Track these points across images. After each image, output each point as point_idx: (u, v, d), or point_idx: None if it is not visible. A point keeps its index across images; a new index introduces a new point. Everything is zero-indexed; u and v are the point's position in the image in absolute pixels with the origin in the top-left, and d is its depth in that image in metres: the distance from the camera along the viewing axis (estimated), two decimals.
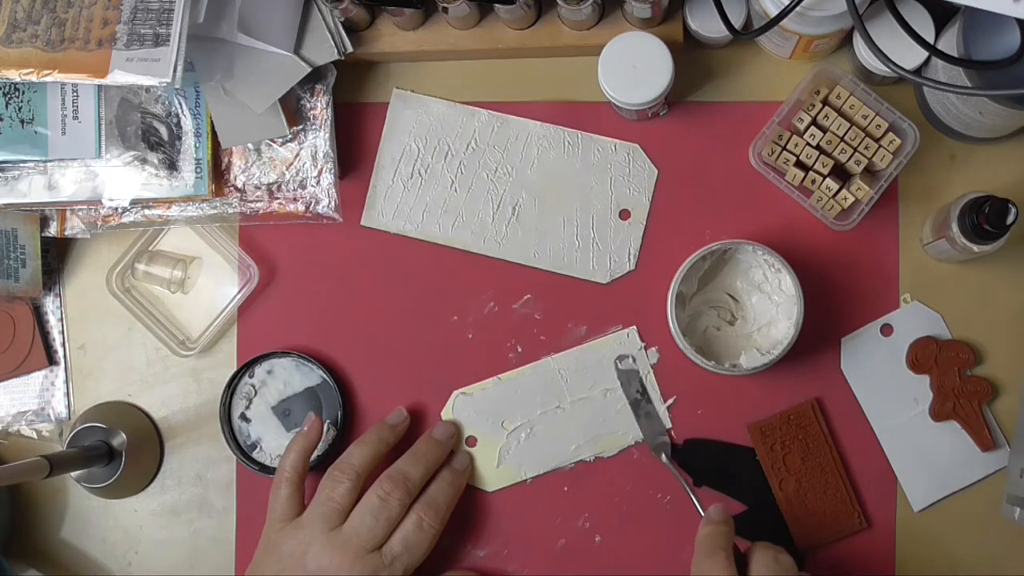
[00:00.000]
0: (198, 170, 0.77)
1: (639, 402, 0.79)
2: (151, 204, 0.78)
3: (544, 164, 0.81)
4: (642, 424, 0.79)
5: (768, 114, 0.75)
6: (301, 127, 0.78)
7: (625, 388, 0.79)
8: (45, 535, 0.83)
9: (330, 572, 0.70)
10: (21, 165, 0.76)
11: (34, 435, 0.83)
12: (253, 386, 0.81)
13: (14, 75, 0.68)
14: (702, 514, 0.74)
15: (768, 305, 0.78)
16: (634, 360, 0.79)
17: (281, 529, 0.73)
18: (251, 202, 0.79)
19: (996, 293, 0.78)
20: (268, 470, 0.80)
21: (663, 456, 0.78)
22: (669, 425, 0.79)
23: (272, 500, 0.75)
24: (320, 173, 0.78)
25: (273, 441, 0.81)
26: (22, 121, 0.75)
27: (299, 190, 0.79)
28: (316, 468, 0.79)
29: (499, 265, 0.81)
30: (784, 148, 0.75)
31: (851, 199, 0.74)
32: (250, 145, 0.78)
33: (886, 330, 0.79)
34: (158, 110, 0.77)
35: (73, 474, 0.78)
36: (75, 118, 0.76)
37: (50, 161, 0.76)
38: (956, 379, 0.77)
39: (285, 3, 0.74)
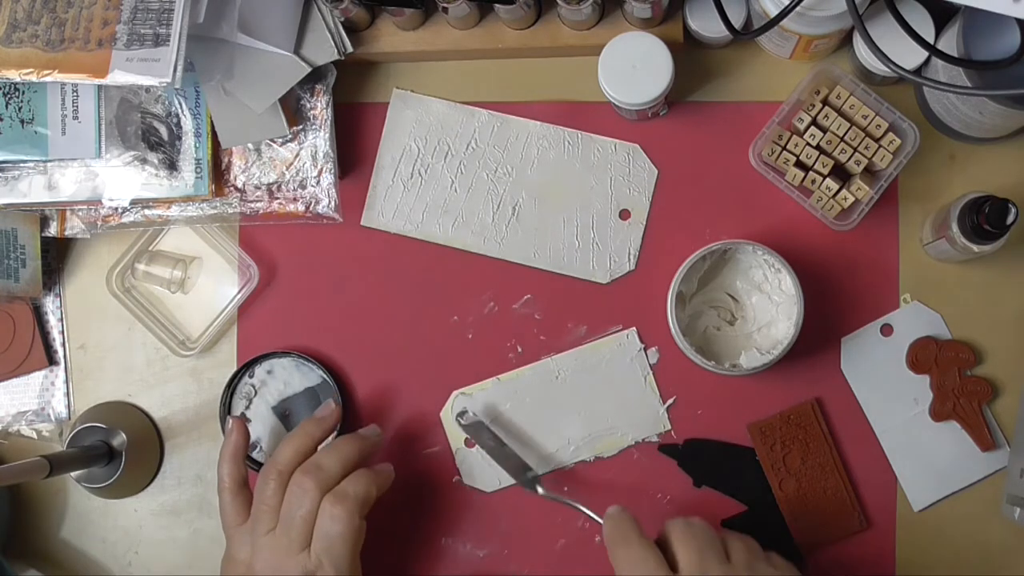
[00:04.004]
0: (198, 170, 0.77)
1: (495, 448, 0.78)
2: (151, 204, 0.78)
3: (544, 164, 0.81)
4: (507, 468, 0.78)
5: (768, 114, 0.75)
6: (301, 127, 0.78)
7: (478, 440, 0.79)
8: (45, 535, 0.83)
9: None
10: (21, 165, 0.76)
11: (34, 435, 0.83)
12: (253, 386, 0.81)
13: (14, 75, 0.68)
14: (600, 521, 0.72)
15: (768, 305, 0.78)
16: (474, 413, 0.79)
17: (233, 536, 0.73)
18: (251, 202, 0.79)
19: (996, 293, 0.78)
20: None
21: (539, 489, 0.77)
22: (668, 429, 0.79)
23: (221, 511, 0.74)
24: (320, 173, 0.78)
25: (273, 441, 0.81)
26: (22, 121, 0.75)
27: (299, 190, 0.79)
28: None
29: (499, 265, 0.81)
30: (784, 148, 0.75)
31: (851, 199, 0.74)
32: (250, 145, 0.78)
33: (886, 330, 0.79)
34: (158, 110, 0.77)
35: (73, 474, 0.78)
36: (75, 118, 0.76)
37: (50, 161, 0.76)
38: (956, 379, 0.77)
39: (285, 3, 0.74)
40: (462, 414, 0.79)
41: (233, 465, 0.74)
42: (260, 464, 0.80)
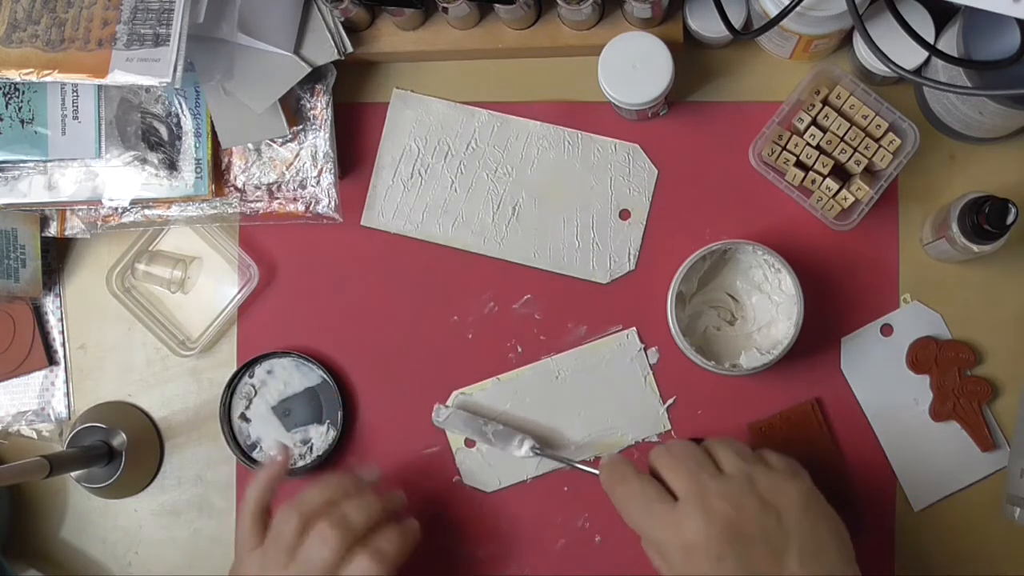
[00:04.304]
0: (198, 170, 0.77)
1: (478, 429, 0.78)
2: (151, 204, 0.78)
3: (544, 164, 0.81)
4: (496, 444, 0.78)
5: (768, 114, 0.75)
6: (301, 127, 0.78)
7: (458, 429, 0.79)
8: (45, 535, 0.83)
9: None
10: (21, 165, 0.76)
11: (34, 435, 0.83)
12: (253, 386, 0.81)
13: (14, 75, 0.68)
14: (596, 473, 0.71)
15: (768, 305, 0.78)
16: (446, 407, 0.79)
17: (244, 558, 0.72)
18: (251, 202, 0.79)
19: (996, 293, 0.78)
20: None
21: (532, 451, 0.78)
22: (668, 427, 0.79)
23: (237, 527, 0.73)
24: (320, 173, 0.78)
25: (273, 441, 0.81)
26: (22, 121, 0.75)
27: (299, 190, 0.79)
28: (315, 470, 0.79)
29: (499, 265, 0.81)
30: (784, 148, 0.75)
31: (851, 199, 0.74)
32: (250, 145, 0.78)
33: (886, 330, 0.79)
34: (158, 110, 0.77)
35: (73, 474, 0.78)
36: (75, 118, 0.76)
37: (50, 161, 0.76)
38: (956, 379, 0.77)
39: (285, 3, 0.74)
40: (438, 411, 0.79)
41: (266, 490, 0.72)
42: (260, 464, 0.80)
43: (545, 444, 0.79)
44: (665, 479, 0.65)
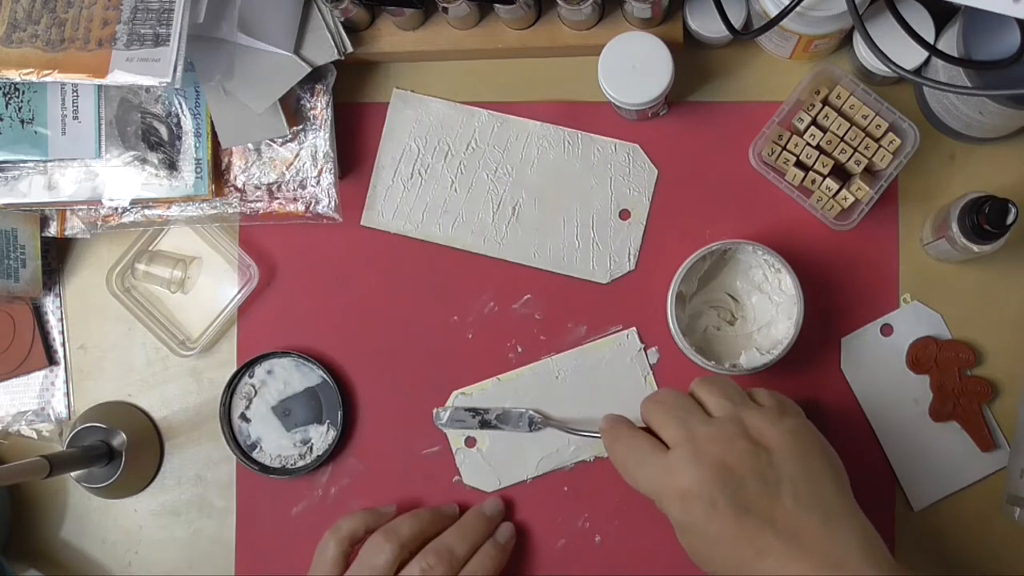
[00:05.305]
0: (198, 170, 0.77)
1: (487, 421, 0.79)
2: (151, 204, 0.78)
3: (544, 164, 0.81)
4: (505, 426, 0.79)
5: (768, 114, 0.75)
6: (301, 127, 0.78)
7: (466, 425, 0.79)
8: (45, 535, 0.83)
9: None
10: (21, 165, 0.76)
11: (34, 435, 0.83)
12: (253, 386, 0.81)
13: (14, 75, 0.68)
14: (596, 434, 0.72)
15: (768, 305, 0.78)
16: (443, 410, 0.79)
17: None
18: (251, 202, 0.79)
19: (996, 293, 0.78)
20: (268, 470, 0.80)
21: (539, 424, 0.78)
22: None
23: (319, 554, 0.74)
24: (320, 173, 0.78)
25: (273, 441, 0.81)
26: (22, 121, 0.75)
27: (299, 190, 0.79)
28: (316, 469, 0.79)
29: (499, 265, 0.81)
30: (784, 148, 0.75)
31: (851, 199, 0.74)
32: (250, 145, 0.78)
33: (886, 330, 0.79)
34: (158, 110, 0.77)
35: (73, 474, 0.78)
36: (75, 118, 0.76)
37: (50, 161, 0.76)
38: (956, 379, 0.77)
39: (285, 3, 0.74)
40: (437, 416, 0.79)
41: (360, 528, 0.75)
42: (260, 464, 0.81)
43: (546, 452, 0.80)
44: (656, 431, 0.65)
